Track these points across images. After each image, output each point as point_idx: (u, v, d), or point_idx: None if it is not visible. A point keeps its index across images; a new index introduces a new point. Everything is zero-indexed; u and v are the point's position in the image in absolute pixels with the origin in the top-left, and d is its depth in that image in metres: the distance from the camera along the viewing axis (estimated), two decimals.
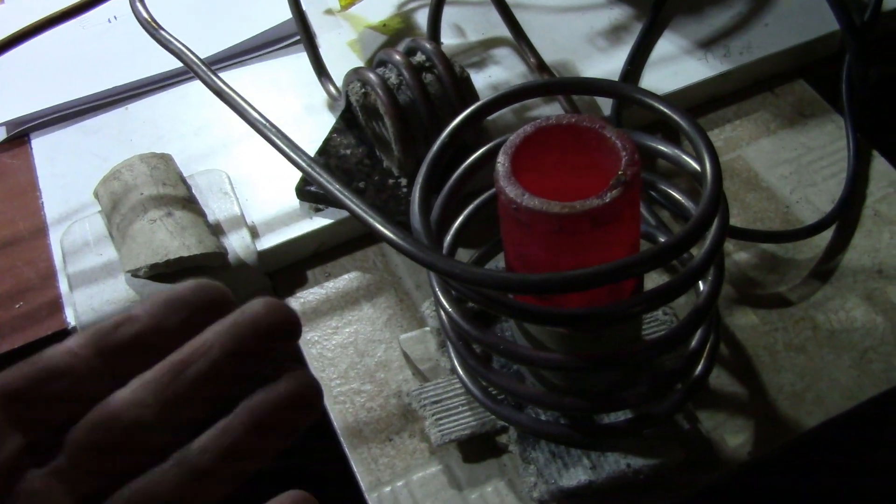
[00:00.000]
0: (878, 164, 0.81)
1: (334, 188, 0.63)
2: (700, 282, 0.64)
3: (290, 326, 0.43)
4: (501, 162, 0.55)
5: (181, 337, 0.42)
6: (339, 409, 0.70)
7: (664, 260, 0.54)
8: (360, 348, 0.73)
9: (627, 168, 0.54)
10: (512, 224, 0.55)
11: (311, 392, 0.43)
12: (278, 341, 0.42)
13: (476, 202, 0.68)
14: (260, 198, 0.81)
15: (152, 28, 0.77)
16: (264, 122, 0.70)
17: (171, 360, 0.41)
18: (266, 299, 0.43)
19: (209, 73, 0.73)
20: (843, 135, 0.82)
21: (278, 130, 0.69)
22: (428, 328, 0.72)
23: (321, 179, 0.64)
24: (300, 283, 0.78)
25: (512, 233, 0.57)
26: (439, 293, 0.62)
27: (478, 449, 0.66)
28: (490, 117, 0.80)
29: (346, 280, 0.78)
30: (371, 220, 0.59)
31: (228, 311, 0.42)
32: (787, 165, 0.81)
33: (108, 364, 0.41)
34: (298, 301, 0.76)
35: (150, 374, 0.41)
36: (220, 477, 0.41)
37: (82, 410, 0.40)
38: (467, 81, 0.77)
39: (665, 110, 0.61)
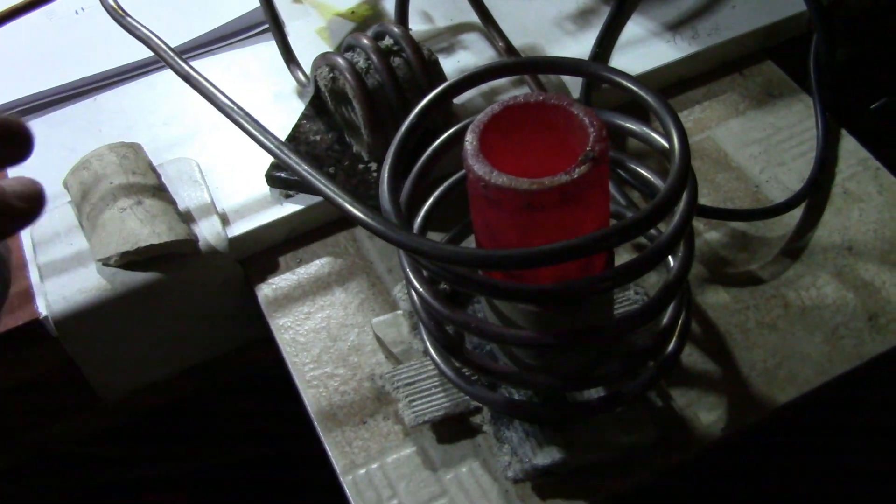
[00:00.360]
0: (847, 142, 0.81)
1: (303, 170, 0.63)
2: (670, 259, 0.64)
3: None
4: (469, 140, 0.55)
5: None
6: (313, 393, 0.70)
7: (634, 233, 0.54)
8: (333, 333, 0.73)
9: (595, 144, 0.54)
10: (481, 202, 0.56)
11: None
12: None
13: (445, 184, 0.68)
14: (230, 185, 0.81)
15: (119, 15, 0.77)
16: (234, 106, 0.70)
17: None
18: None
19: (177, 58, 0.73)
20: (812, 114, 0.83)
21: (247, 115, 0.69)
22: (400, 311, 0.72)
23: (290, 162, 0.64)
24: (272, 269, 0.78)
25: (482, 212, 0.57)
26: (410, 274, 0.62)
27: (452, 430, 0.66)
28: (459, 102, 0.81)
29: (317, 265, 0.78)
30: (340, 201, 0.59)
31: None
32: (756, 145, 0.82)
33: None
34: (270, 287, 0.76)
35: None
36: None
37: None
38: (436, 65, 0.77)
39: (632, 87, 0.61)
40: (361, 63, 0.75)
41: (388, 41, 0.77)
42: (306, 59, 0.85)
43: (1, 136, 0.51)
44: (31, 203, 0.54)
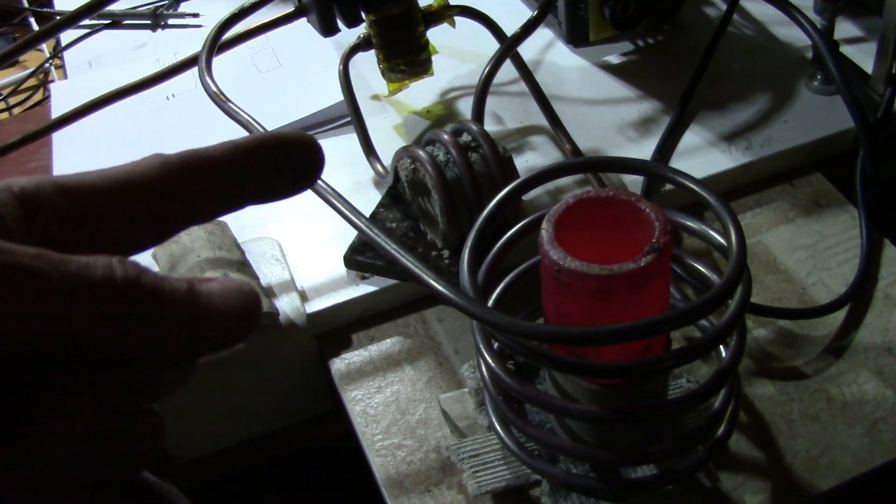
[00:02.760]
0: (889, 251, 0.86)
1: (390, 247, 0.68)
2: (722, 349, 0.69)
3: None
4: (546, 228, 0.61)
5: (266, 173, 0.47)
6: (381, 462, 0.74)
7: (693, 318, 0.59)
8: (402, 407, 0.78)
9: (661, 236, 0.59)
10: (553, 285, 0.61)
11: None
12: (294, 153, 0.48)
13: (515, 272, 0.73)
14: (309, 265, 0.86)
15: (220, 100, 0.83)
16: (325, 186, 0.75)
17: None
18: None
19: None
20: (857, 224, 0.87)
21: (337, 193, 0.74)
22: (466, 389, 0.76)
23: (377, 238, 0.70)
24: (346, 345, 0.83)
25: (553, 294, 0.62)
26: (482, 347, 0.66)
27: (512, 501, 0.70)
28: (527, 199, 0.86)
29: (388, 344, 0.83)
30: (425, 276, 0.64)
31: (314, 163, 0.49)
32: (803, 251, 0.86)
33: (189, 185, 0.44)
34: (344, 362, 0.81)
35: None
36: None
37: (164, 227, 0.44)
38: (510, 161, 0.82)
39: (693, 186, 0.66)
40: (441, 156, 0.81)
41: (466, 137, 0.82)
42: (383, 152, 0.91)
43: (295, 152, 0.48)
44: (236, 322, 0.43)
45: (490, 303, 0.71)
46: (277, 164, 0.47)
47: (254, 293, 0.43)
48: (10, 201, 0.39)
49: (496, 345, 0.68)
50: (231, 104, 0.83)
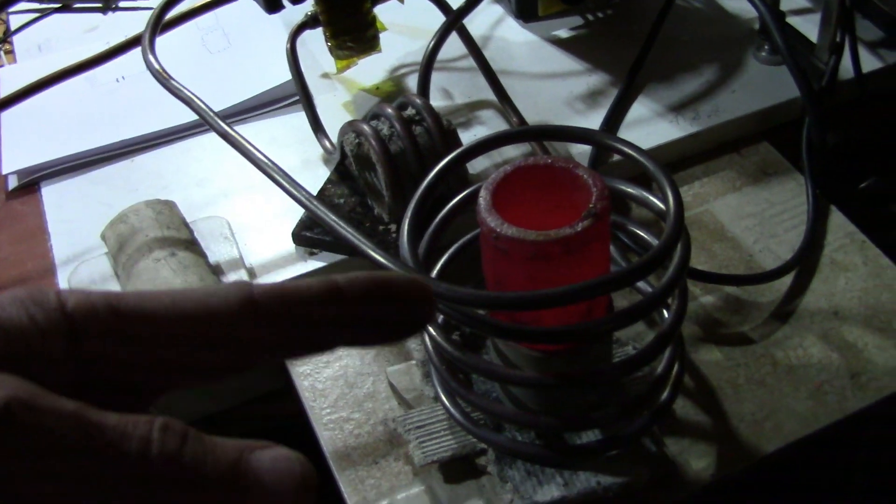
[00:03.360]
0: (836, 217, 0.86)
1: (330, 219, 0.68)
2: (665, 313, 0.69)
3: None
4: (483, 196, 0.61)
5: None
6: (329, 435, 0.75)
7: (630, 280, 0.59)
8: (350, 380, 0.78)
9: (598, 202, 0.59)
10: (492, 253, 0.61)
11: None
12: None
13: (459, 243, 0.73)
14: (258, 243, 0.86)
15: (163, 77, 0.83)
16: (269, 163, 0.75)
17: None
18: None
19: (216, 118, 0.79)
20: (804, 192, 0.88)
21: (283, 172, 0.74)
22: (413, 361, 0.76)
23: (319, 212, 0.70)
24: None
25: (492, 261, 0.62)
26: None
27: (458, 470, 0.70)
28: (474, 172, 0.86)
29: None
30: (363, 246, 0.65)
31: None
32: (751, 219, 0.87)
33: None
34: None
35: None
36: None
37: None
38: (454, 133, 0.83)
39: (631, 153, 0.67)
40: (385, 130, 0.81)
41: (410, 111, 0.82)
42: (332, 129, 0.91)
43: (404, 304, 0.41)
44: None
45: (434, 273, 0.71)
46: (381, 315, 0.41)
47: (310, 469, 0.38)
48: (60, 320, 0.36)
49: (441, 317, 0.68)
50: (174, 81, 0.83)
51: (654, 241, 0.71)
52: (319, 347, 0.41)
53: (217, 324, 0.38)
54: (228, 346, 0.39)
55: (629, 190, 0.70)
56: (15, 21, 1.19)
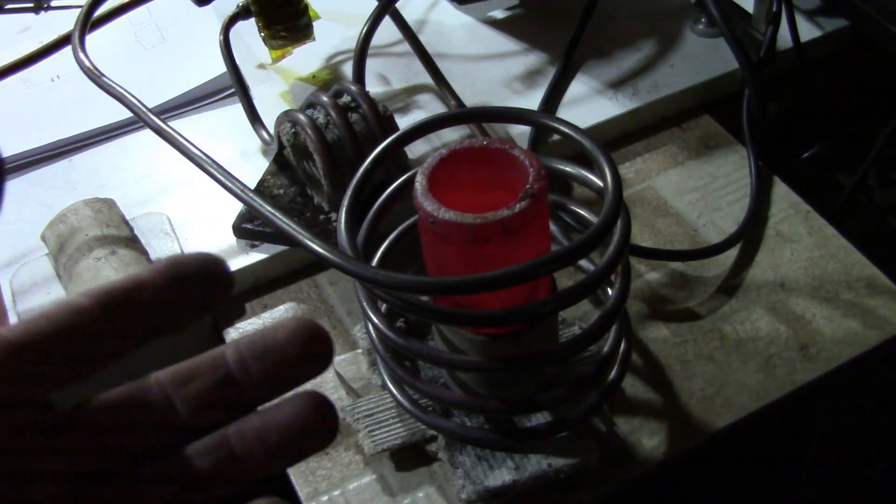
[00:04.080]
0: (779, 188, 0.86)
1: (267, 211, 0.67)
2: (609, 291, 0.68)
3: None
4: (419, 181, 0.60)
5: (179, 305, 0.43)
6: None
7: (569, 260, 0.59)
8: None
9: (535, 182, 0.58)
10: (431, 238, 0.60)
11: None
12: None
13: (399, 229, 0.72)
14: (198, 237, 0.85)
15: (94, 75, 0.82)
16: (205, 158, 0.74)
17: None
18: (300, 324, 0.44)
19: (150, 114, 0.77)
20: (746, 164, 0.88)
21: (218, 165, 0.73)
22: (360, 350, 0.76)
23: (256, 204, 0.69)
24: (239, 314, 0.82)
25: (431, 247, 0.62)
26: (367, 308, 0.66)
27: (409, 458, 0.70)
28: (415, 157, 0.85)
29: (281, 310, 0.82)
30: (301, 238, 0.64)
31: (225, 286, 0.44)
32: (694, 193, 0.87)
33: (111, 324, 0.42)
34: (238, 331, 0.80)
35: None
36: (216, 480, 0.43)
37: (85, 370, 0.41)
38: (391, 119, 0.82)
39: (567, 131, 0.66)
40: (321, 119, 0.80)
41: (346, 98, 0.81)
42: (270, 120, 0.90)
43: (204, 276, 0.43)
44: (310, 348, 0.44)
45: (374, 262, 0.71)
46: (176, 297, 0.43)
47: None
48: None
49: (384, 306, 0.67)
50: (105, 78, 0.81)
51: (595, 218, 0.71)
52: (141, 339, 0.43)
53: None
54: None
55: (568, 169, 0.69)
56: None
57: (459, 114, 0.72)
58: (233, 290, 0.44)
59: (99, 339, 0.41)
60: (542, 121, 0.69)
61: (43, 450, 0.41)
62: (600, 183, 0.65)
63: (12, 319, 0.80)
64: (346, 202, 0.66)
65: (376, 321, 0.65)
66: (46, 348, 0.40)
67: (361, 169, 0.68)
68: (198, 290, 0.43)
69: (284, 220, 0.67)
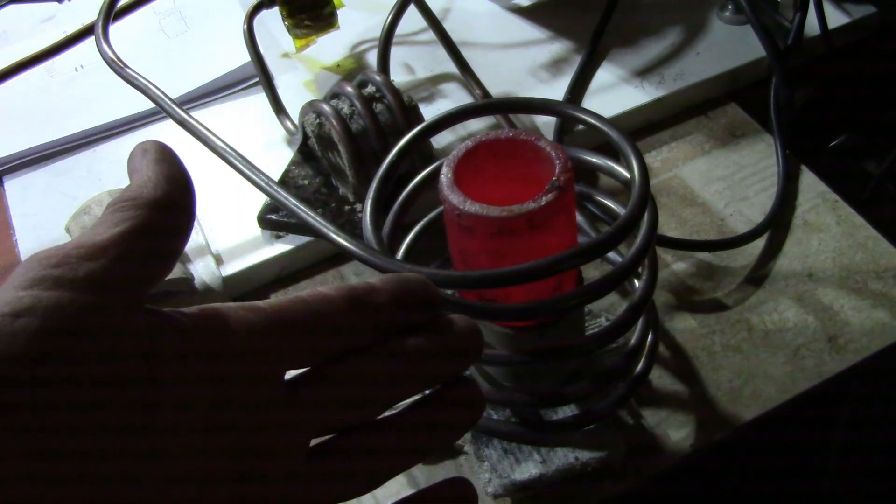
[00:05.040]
0: (806, 177, 0.85)
1: (293, 204, 0.67)
2: (636, 282, 0.68)
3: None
4: (445, 173, 0.60)
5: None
6: None
7: (596, 253, 0.58)
8: None
9: (561, 174, 0.58)
10: (456, 230, 0.60)
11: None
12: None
13: (424, 220, 0.72)
14: (223, 228, 0.85)
15: (118, 66, 0.81)
16: (229, 149, 0.74)
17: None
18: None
19: (173, 105, 0.77)
20: (773, 152, 0.87)
21: (242, 157, 0.73)
22: None
23: (282, 198, 0.69)
24: None
25: (457, 239, 0.61)
26: None
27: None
28: (440, 147, 0.85)
29: None
30: (327, 231, 0.63)
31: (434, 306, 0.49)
32: (720, 182, 0.86)
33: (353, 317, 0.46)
34: None
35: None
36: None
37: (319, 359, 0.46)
38: (415, 110, 0.81)
39: (594, 122, 0.66)
40: (346, 109, 0.79)
41: (370, 89, 0.81)
42: (294, 110, 0.89)
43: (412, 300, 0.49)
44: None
45: (400, 254, 0.70)
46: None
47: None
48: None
49: None
50: (128, 70, 0.81)
51: (622, 209, 0.70)
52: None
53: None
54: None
55: (594, 160, 0.69)
56: None
57: (485, 105, 0.71)
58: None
59: (340, 331, 0.45)
60: (569, 111, 0.69)
61: (281, 425, 0.43)
62: (627, 175, 0.64)
63: None
64: (371, 194, 0.65)
65: None
66: (296, 329, 0.44)
67: (387, 161, 0.68)
68: (417, 306, 0.48)
69: (309, 212, 0.67)
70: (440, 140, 0.86)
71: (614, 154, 0.66)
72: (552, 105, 0.70)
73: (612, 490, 0.67)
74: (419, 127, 0.69)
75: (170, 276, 0.75)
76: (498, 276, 0.56)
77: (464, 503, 0.50)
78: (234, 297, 0.81)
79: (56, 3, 1.17)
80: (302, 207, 0.67)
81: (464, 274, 0.59)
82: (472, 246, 0.60)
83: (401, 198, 0.69)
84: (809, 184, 0.85)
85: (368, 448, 0.47)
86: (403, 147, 0.68)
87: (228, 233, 0.84)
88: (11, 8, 1.16)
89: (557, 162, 0.59)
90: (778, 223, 0.82)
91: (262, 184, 0.71)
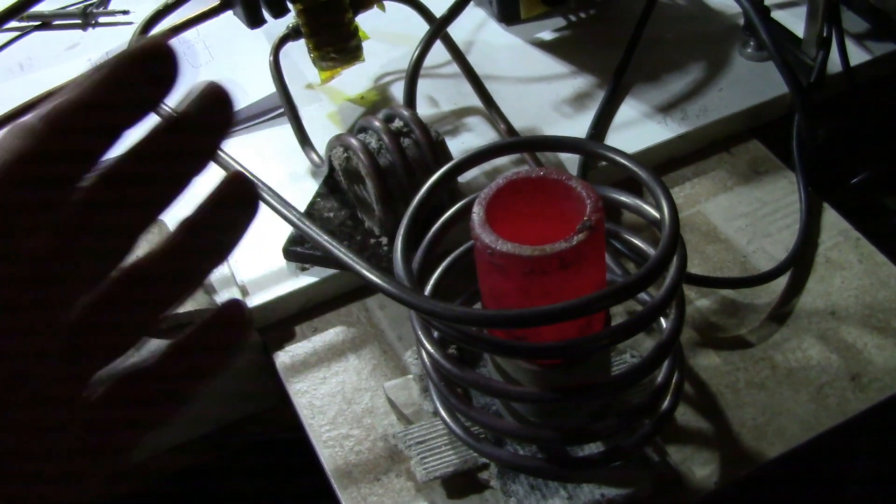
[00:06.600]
0: (829, 215, 0.86)
1: (323, 239, 0.68)
2: (663, 322, 0.68)
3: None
4: (477, 212, 0.60)
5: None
6: (329, 453, 0.74)
7: (626, 295, 0.59)
8: (348, 396, 0.77)
9: (592, 214, 0.58)
10: (487, 268, 0.60)
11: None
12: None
13: (452, 255, 0.72)
14: (249, 259, 0.85)
15: None
16: (254, 179, 0.74)
17: None
18: None
19: None
20: (796, 189, 0.88)
21: (266, 186, 0.73)
22: (411, 376, 0.76)
23: (311, 232, 0.69)
24: (289, 337, 0.82)
25: (487, 277, 0.62)
26: (422, 336, 0.66)
27: (461, 485, 0.70)
28: (463, 181, 0.85)
29: (332, 334, 0.82)
30: (358, 267, 0.64)
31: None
32: (743, 219, 0.86)
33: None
34: (288, 354, 0.81)
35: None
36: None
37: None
38: (442, 145, 0.82)
39: (624, 162, 0.66)
40: (373, 143, 0.80)
41: (398, 123, 0.82)
42: (318, 141, 0.90)
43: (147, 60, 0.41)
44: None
45: (428, 289, 0.71)
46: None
47: None
48: None
49: (436, 333, 0.67)
50: None
51: (649, 248, 0.71)
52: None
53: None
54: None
55: (622, 199, 0.69)
56: None
57: (513, 143, 0.72)
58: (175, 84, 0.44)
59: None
60: (597, 150, 0.70)
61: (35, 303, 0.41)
62: (656, 214, 0.65)
63: None
64: (402, 231, 0.66)
65: (431, 349, 0.66)
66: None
67: (417, 198, 0.68)
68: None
69: (338, 246, 0.68)
70: (464, 174, 0.86)
71: (638, 189, 0.66)
72: (581, 143, 0.71)
73: None
74: (448, 166, 0.69)
75: (195, 308, 0.76)
76: (530, 316, 0.57)
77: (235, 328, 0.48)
78: (259, 328, 0.82)
79: (80, 31, 1.18)
80: (330, 241, 0.68)
81: (496, 313, 0.59)
82: (504, 284, 0.61)
83: (430, 234, 0.69)
84: (832, 221, 0.85)
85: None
86: (433, 185, 0.69)
87: (254, 264, 0.85)
88: (36, 35, 1.17)
89: (588, 201, 0.59)
90: (800, 261, 0.83)
91: (290, 216, 0.72)
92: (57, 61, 1.14)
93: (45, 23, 1.19)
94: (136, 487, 0.89)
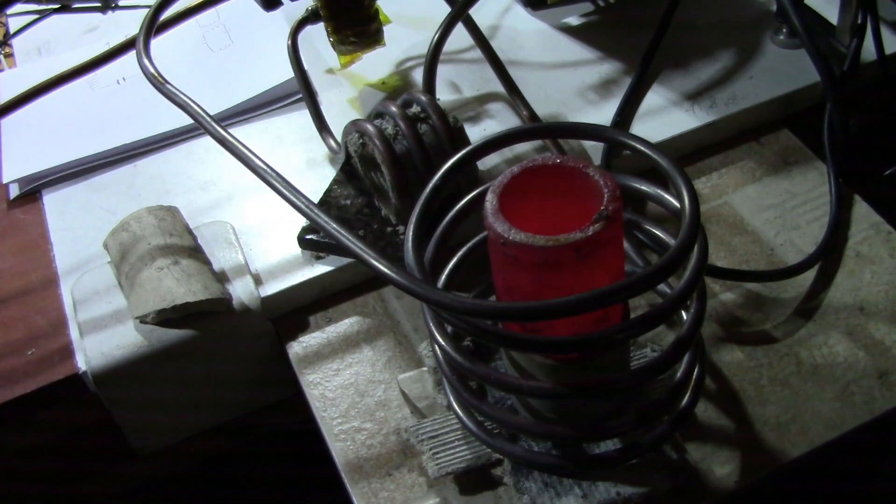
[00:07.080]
0: (860, 207, 0.83)
1: (333, 229, 0.66)
2: (684, 314, 0.66)
3: None
4: (490, 200, 0.58)
5: None
6: (341, 447, 0.72)
7: (644, 287, 0.56)
8: (361, 389, 0.76)
9: (609, 203, 0.56)
10: (500, 259, 0.58)
11: None
12: None
13: (467, 246, 0.70)
14: (263, 248, 0.84)
15: (158, 82, 0.80)
16: (268, 170, 0.72)
17: None
18: None
19: (213, 123, 0.76)
20: (826, 181, 0.85)
21: (282, 178, 0.71)
22: (425, 368, 0.74)
23: (322, 222, 0.67)
24: (302, 327, 0.80)
25: (501, 268, 0.60)
26: (434, 329, 0.64)
27: (474, 482, 0.68)
28: (484, 168, 0.83)
29: (346, 324, 0.80)
30: (368, 258, 0.62)
31: None
32: (771, 210, 0.84)
33: None
34: (301, 345, 0.79)
35: None
36: None
37: None
38: (461, 131, 0.80)
39: (644, 150, 0.64)
40: (390, 129, 0.78)
41: (415, 109, 0.80)
42: (338, 128, 0.88)
43: None
44: None
45: (441, 280, 0.69)
46: None
47: None
48: None
49: (450, 327, 0.66)
50: (169, 86, 0.80)
51: (671, 239, 0.69)
52: None
53: None
54: None
55: (643, 188, 0.67)
56: (14, 23, 1.17)
57: (532, 129, 0.70)
58: None
59: None
60: (618, 138, 0.67)
61: None
62: (677, 204, 0.63)
63: (73, 330, 0.79)
64: (413, 219, 0.64)
65: (443, 343, 0.64)
66: None
67: (430, 185, 0.66)
68: None
69: (348, 236, 0.65)
70: (485, 161, 0.84)
71: (663, 179, 0.64)
72: (602, 130, 0.68)
73: None
74: (463, 152, 0.68)
75: (208, 297, 0.75)
76: (543, 309, 0.55)
77: None
78: (272, 318, 0.80)
79: (100, 14, 1.16)
80: (341, 231, 0.66)
81: (508, 306, 0.57)
82: (517, 275, 0.59)
83: (444, 223, 0.67)
84: (862, 214, 0.83)
85: None
86: (447, 171, 0.67)
87: (268, 253, 0.83)
88: (55, 18, 1.16)
89: (606, 190, 0.57)
90: (829, 254, 0.80)
91: (303, 206, 0.70)
92: (75, 45, 1.12)
93: (64, 5, 1.17)
94: (169, 469, 0.89)
